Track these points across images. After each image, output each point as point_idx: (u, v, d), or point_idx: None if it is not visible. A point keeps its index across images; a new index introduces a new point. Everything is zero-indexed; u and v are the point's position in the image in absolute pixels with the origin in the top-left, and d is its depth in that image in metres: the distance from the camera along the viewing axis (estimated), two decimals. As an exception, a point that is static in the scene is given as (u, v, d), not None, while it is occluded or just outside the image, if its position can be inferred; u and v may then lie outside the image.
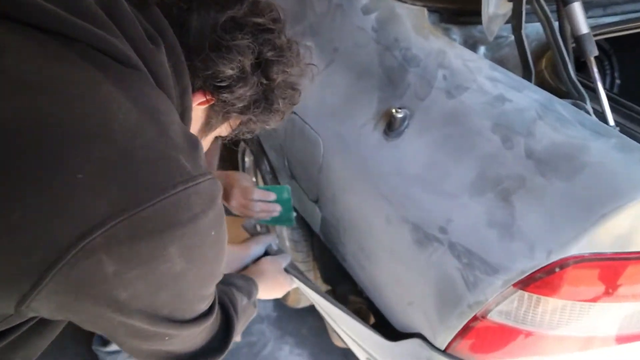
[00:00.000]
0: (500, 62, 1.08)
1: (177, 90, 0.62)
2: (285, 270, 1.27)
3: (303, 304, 1.81)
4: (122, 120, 0.52)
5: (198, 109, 0.69)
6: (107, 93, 0.52)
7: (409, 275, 0.99)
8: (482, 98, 0.91)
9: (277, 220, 1.39)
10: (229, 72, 0.64)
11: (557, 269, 0.78)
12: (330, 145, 1.16)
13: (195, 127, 0.71)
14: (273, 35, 0.68)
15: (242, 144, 1.96)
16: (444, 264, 0.90)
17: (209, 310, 0.69)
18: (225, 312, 0.86)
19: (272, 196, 1.31)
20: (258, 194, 1.29)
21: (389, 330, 1.13)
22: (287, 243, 1.62)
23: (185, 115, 0.63)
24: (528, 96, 0.88)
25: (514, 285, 0.82)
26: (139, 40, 0.57)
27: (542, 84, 0.98)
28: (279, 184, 1.56)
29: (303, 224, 1.56)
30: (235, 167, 2.30)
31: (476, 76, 0.94)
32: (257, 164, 1.74)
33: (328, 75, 1.23)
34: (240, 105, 0.68)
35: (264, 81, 0.69)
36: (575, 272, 0.78)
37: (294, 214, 1.36)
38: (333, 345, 1.78)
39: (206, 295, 0.65)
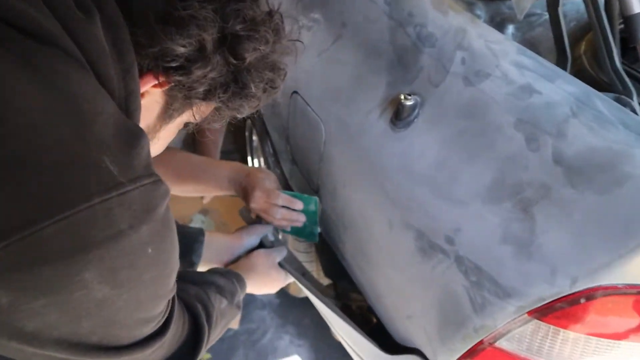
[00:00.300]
0: (531, 44, 0.93)
1: (117, 71, 0.50)
2: (280, 265, 1.17)
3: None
4: (22, 111, 0.41)
5: (155, 93, 0.57)
6: (2, 75, 0.41)
7: (410, 286, 0.87)
8: (506, 88, 0.77)
9: (298, 232, 1.25)
10: (181, 49, 0.51)
11: (582, 300, 0.65)
12: (332, 132, 1.04)
13: (151, 114, 0.60)
14: (244, 4, 0.55)
15: (249, 122, 1.84)
16: (449, 279, 0.78)
17: (161, 330, 0.59)
18: (195, 321, 0.76)
19: (299, 205, 1.16)
20: (283, 199, 1.14)
21: (388, 340, 1.02)
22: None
23: (130, 100, 0.52)
24: (561, 88, 0.73)
25: (529, 313, 0.70)
26: (63, 8, 0.45)
27: (579, 73, 0.83)
28: (280, 168, 1.44)
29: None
30: (243, 146, 2.19)
31: (500, 61, 0.80)
32: (262, 145, 1.62)
33: (335, 53, 1.09)
34: (202, 89, 0.57)
35: (232, 61, 0.56)
36: (604, 304, 0.65)
37: (319, 229, 1.21)
38: (335, 338, 1.68)
39: (150, 317, 0.55)
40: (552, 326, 0.69)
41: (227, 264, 1.15)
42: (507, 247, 0.71)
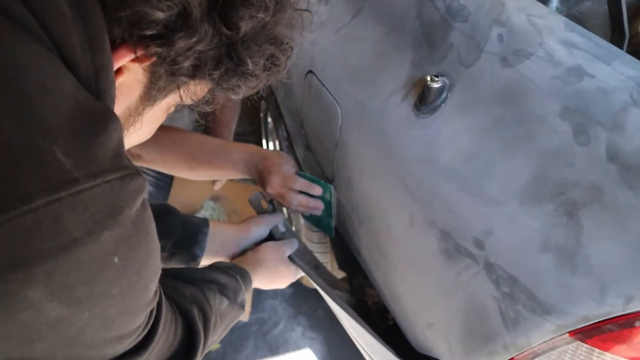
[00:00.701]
0: (578, 20, 0.81)
1: (82, 40, 0.41)
2: (290, 259, 1.08)
3: (319, 285, 1.63)
4: None
5: (135, 69, 0.48)
6: None
7: (431, 292, 0.78)
8: (551, 70, 0.66)
9: (316, 222, 1.17)
10: (158, 14, 0.42)
11: (637, 323, 0.55)
12: (350, 116, 0.94)
13: (132, 95, 0.51)
14: None
15: (264, 102, 1.75)
16: (477, 288, 0.69)
17: (141, 345, 0.51)
18: (190, 327, 0.68)
19: (318, 190, 1.08)
20: (301, 184, 1.07)
21: (405, 344, 0.94)
22: (302, 220, 1.43)
23: (100, 77, 0.43)
24: (619, 71, 0.62)
25: (571, 333, 0.60)
26: None
27: (636, 54, 0.71)
28: (294, 154, 1.35)
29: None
30: (259, 127, 2.10)
31: (545, 38, 0.69)
32: (275, 129, 1.53)
33: (354, 29, 0.99)
34: (187, 64, 0.47)
35: (225, 30, 0.46)
36: (664, 330, 0.55)
37: (334, 222, 1.13)
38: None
39: (124, 334, 0.47)
40: (597, 350, 0.59)
41: (234, 257, 1.07)
42: (548, 256, 0.61)
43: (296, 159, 1.35)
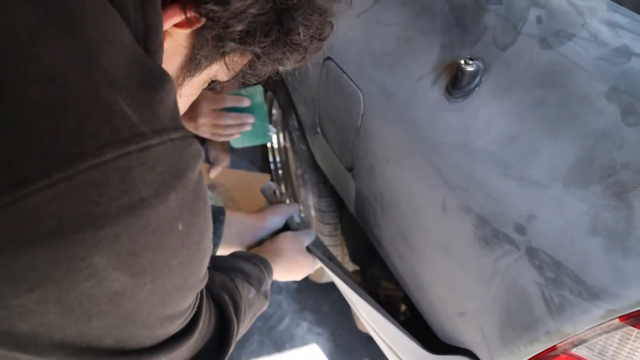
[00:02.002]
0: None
1: None
2: (308, 249, 1.06)
3: (326, 279, 1.61)
4: (6, 28, 0.30)
5: (179, 35, 0.46)
6: None
7: (465, 280, 0.76)
8: (596, 51, 0.65)
9: (251, 138, 1.17)
10: None
11: (694, 306, 0.54)
12: (373, 102, 0.92)
13: (173, 63, 0.48)
14: None
15: (270, 93, 1.72)
16: (517, 274, 0.67)
17: (188, 328, 0.49)
18: (222, 314, 0.65)
19: (246, 102, 1.08)
20: (230, 100, 1.06)
21: (425, 335, 0.92)
22: (313, 213, 1.41)
23: (150, 37, 0.40)
24: (668, 50, 0.61)
25: (622, 318, 0.59)
26: None
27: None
28: (306, 144, 1.32)
29: (332, 192, 1.34)
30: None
31: (587, 19, 0.67)
32: (285, 119, 1.51)
33: (377, 13, 0.97)
34: (240, 28, 0.44)
35: None
36: None
37: (270, 126, 1.15)
38: (356, 327, 1.59)
39: (177, 313, 0.44)
40: (649, 335, 0.58)
41: (250, 247, 1.04)
42: (596, 240, 0.59)
43: (308, 149, 1.33)
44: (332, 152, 1.14)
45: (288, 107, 1.43)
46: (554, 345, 0.66)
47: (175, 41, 0.46)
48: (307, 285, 1.78)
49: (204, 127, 1.11)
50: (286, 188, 1.90)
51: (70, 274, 0.32)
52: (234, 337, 0.65)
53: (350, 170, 1.06)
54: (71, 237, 0.31)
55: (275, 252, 0.99)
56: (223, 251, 0.99)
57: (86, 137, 0.32)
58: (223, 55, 0.50)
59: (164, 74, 0.38)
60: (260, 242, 1.06)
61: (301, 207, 1.49)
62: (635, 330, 0.59)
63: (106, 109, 0.33)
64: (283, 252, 1.00)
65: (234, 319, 0.66)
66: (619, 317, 0.59)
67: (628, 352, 0.61)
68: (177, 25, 0.44)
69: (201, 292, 0.51)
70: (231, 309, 0.67)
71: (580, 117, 0.63)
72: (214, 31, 0.45)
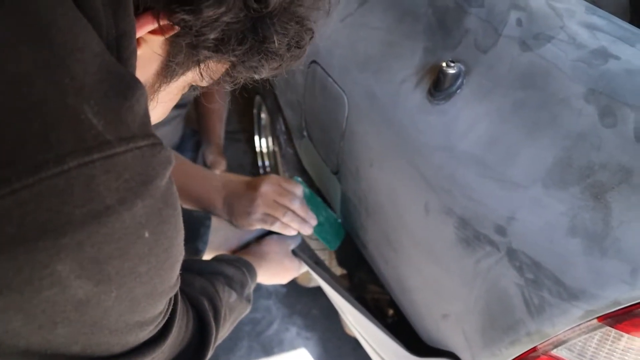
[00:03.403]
0: (594, 1, 0.80)
1: (104, 3, 0.38)
2: (294, 253, 1.06)
3: (315, 283, 1.60)
4: None
5: (153, 41, 0.45)
6: None
7: (448, 282, 0.76)
8: (574, 53, 0.65)
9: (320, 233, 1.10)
10: None
11: (671, 306, 0.54)
12: (358, 106, 0.92)
13: (149, 69, 0.48)
14: None
15: (258, 97, 1.72)
16: (498, 276, 0.67)
17: (160, 334, 0.48)
18: (201, 319, 0.65)
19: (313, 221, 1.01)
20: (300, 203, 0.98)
21: (411, 338, 0.92)
22: (300, 216, 1.40)
23: (123, 44, 0.40)
24: (645, 52, 0.62)
25: (601, 318, 0.59)
26: None
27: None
28: (293, 148, 1.32)
29: (319, 195, 1.34)
30: (250, 125, 2.07)
31: (566, 21, 0.68)
32: (273, 123, 1.51)
33: (361, 17, 0.97)
34: (213, 36, 0.44)
35: (253, 4, 0.44)
36: (698, 312, 0.54)
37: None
38: (345, 331, 1.58)
39: (147, 320, 0.44)
40: (627, 335, 0.58)
41: (236, 252, 1.04)
42: (575, 241, 0.59)
43: (295, 153, 1.33)
44: (318, 156, 1.14)
45: (276, 111, 1.43)
46: (535, 347, 0.66)
47: (150, 48, 0.46)
48: (296, 289, 1.77)
49: (261, 199, 0.97)
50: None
51: (33, 281, 0.32)
52: (212, 342, 0.65)
53: (335, 173, 1.06)
54: (33, 245, 0.31)
55: (260, 256, 0.99)
56: (209, 256, 0.99)
57: (50, 145, 0.31)
58: (198, 62, 0.49)
59: (135, 81, 0.38)
60: (246, 246, 1.05)
61: None
62: (614, 330, 0.59)
63: (72, 117, 0.32)
64: (268, 255, 1.00)
65: (213, 323, 0.66)
66: (598, 317, 0.59)
67: (607, 353, 0.61)
68: (152, 33, 0.44)
69: (175, 297, 0.51)
70: (210, 313, 0.67)
71: (559, 119, 0.64)
72: (187, 39, 0.45)
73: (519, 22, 0.72)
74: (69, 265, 0.33)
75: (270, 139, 1.87)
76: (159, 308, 0.45)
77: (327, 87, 1.01)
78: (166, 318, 0.49)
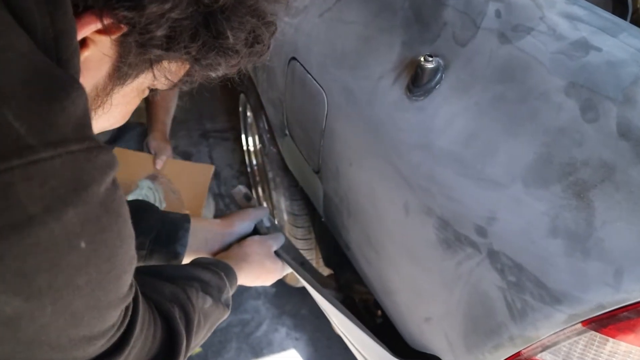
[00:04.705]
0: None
1: (38, 3, 0.35)
2: (277, 254, 1.03)
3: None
4: None
5: (102, 42, 0.42)
6: None
7: (429, 284, 0.74)
8: (554, 44, 0.62)
9: None
10: None
11: (656, 309, 0.52)
12: (337, 103, 0.89)
13: (99, 71, 0.45)
14: None
15: (243, 96, 1.69)
16: (480, 278, 0.65)
17: (116, 348, 0.45)
18: (170, 329, 0.62)
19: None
20: None
21: (397, 340, 0.89)
22: (285, 216, 1.38)
23: (62, 44, 0.37)
24: (627, 43, 0.59)
25: (585, 323, 0.56)
26: None
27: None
28: (277, 147, 1.29)
29: (303, 194, 1.31)
30: (237, 123, 2.04)
31: (546, 12, 0.65)
32: (256, 121, 1.48)
33: (339, 12, 0.94)
34: (160, 34, 0.41)
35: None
36: (684, 315, 0.51)
37: None
38: (335, 331, 1.56)
39: (95, 334, 0.41)
40: (612, 339, 0.56)
41: (217, 254, 1.01)
42: (557, 241, 0.57)
43: (278, 152, 1.30)
44: (300, 155, 1.11)
45: (259, 109, 1.40)
46: (519, 352, 0.63)
47: (99, 49, 0.43)
48: (285, 289, 1.75)
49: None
50: (263, 191, 1.87)
51: None
52: (183, 351, 0.62)
53: (317, 172, 1.03)
54: None
55: (241, 258, 0.96)
56: (189, 259, 0.96)
57: None
58: (151, 63, 0.47)
59: (71, 82, 0.36)
60: (227, 248, 1.02)
61: (275, 211, 1.46)
62: (599, 335, 0.56)
63: None
64: (250, 257, 0.97)
65: (183, 332, 0.63)
66: (582, 321, 0.56)
67: (592, 358, 0.58)
68: (98, 32, 0.42)
69: (134, 307, 0.48)
70: (180, 321, 0.64)
71: (539, 114, 0.61)
72: (133, 37, 0.42)
73: (498, 14, 0.69)
74: None
75: (257, 137, 1.84)
76: (109, 321, 0.43)
77: (307, 84, 0.98)
78: (122, 329, 0.46)
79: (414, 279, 0.77)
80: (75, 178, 0.33)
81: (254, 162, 1.94)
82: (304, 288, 1.69)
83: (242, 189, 1.17)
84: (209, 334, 0.78)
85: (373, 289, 0.93)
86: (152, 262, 0.91)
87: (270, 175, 1.38)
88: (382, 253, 0.84)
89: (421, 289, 0.76)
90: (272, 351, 1.61)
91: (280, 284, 1.77)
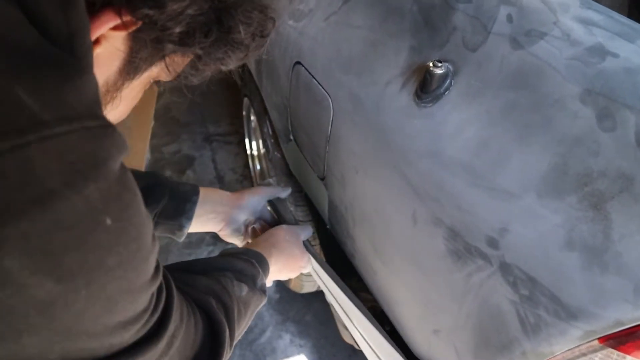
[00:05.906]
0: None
1: (52, 1, 0.35)
2: (304, 245, 0.99)
3: (307, 289, 1.56)
4: None
5: (115, 38, 0.43)
6: None
7: (438, 296, 0.72)
8: (569, 50, 0.60)
9: None
10: None
11: (678, 327, 0.50)
12: (342, 108, 0.87)
13: (110, 67, 0.45)
14: None
15: (247, 100, 1.68)
16: (491, 291, 0.63)
17: (154, 333, 0.44)
18: (210, 319, 0.60)
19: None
20: None
21: (405, 350, 0.87)
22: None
23: (76, 42, 0.37)
24: (645, 49, 0.57)
25: (602, 340, 0.54)
26: None
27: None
28: (281, 152, 1.27)
29: (308, 200, 1.29)
30: (239, 128, 2.03)
31: (560, 17, 0.63)
32: (260, 126, 1.46)
33: (345, 15, 0.92)
34: (178, 30, 0.42)
35: None
36: None
37: None
38: (340, 338, 1.54)
39: (129, 319, 0.40)
40: (630, 357, 0.53)
41: (226, 226, 0.98)
42: (572, 255, 0.55)
43: (282, 157, 1.28)
44: (304, 161, 1.09)
45: (263, 114, 1.38)
46: (531, 368, 0.61)
47: (112, 45, 0.43)
48: (289, 296, 1.73)
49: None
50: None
51: None
52: (227, 339, 0.61)
53: (322, 179, 1.01)
54: None
55: (271, 244, 0.93)
56: (195, 229, 0.94)
57: None
58: (163, 57, 0.48)
59: (82, 66, 0.36)
60: (239, 228, 0.99)
61: (289, 191, 1.43)
62: (616, 352, 0.54)
63: (1, 98, 0.30)
64: (280, 244, 0.94)
65: (224, 321, 0.62)
66: (598, 338, 0.54)
67: (609, 375, 0.56)
68: (113, 29, 0.42)
69: (167, 293, 0.47)
70: (219, 311, 0.62)
71: (553, 122, 0.59)
72: (152, 34, 0.43)
73: (510, 18, 0.67)
74: (18, 260, 0.30)
75: (260, 142, 1.82)
76: (141, 305, 0.42)
77: (312, 89, 0.97)
78: (157, 315, 0.45)
79: (422, 290, 0.75)
80: (93, 153, 0.33)
81: (258, 166, 1.92)
82: (308, 294, 1.67)
83: (270, 181, 1.14)
84: (250, 321, 0.76)
85: (379, 299, 0.91)
86: (156, 234, 0.90)
87: (274, 180, 1.36)
88: (389, 263, 0.82)
89: (429, 300, 0.74)
90: (275, 358, 1.59)
91: (284, 289, 1.75)
